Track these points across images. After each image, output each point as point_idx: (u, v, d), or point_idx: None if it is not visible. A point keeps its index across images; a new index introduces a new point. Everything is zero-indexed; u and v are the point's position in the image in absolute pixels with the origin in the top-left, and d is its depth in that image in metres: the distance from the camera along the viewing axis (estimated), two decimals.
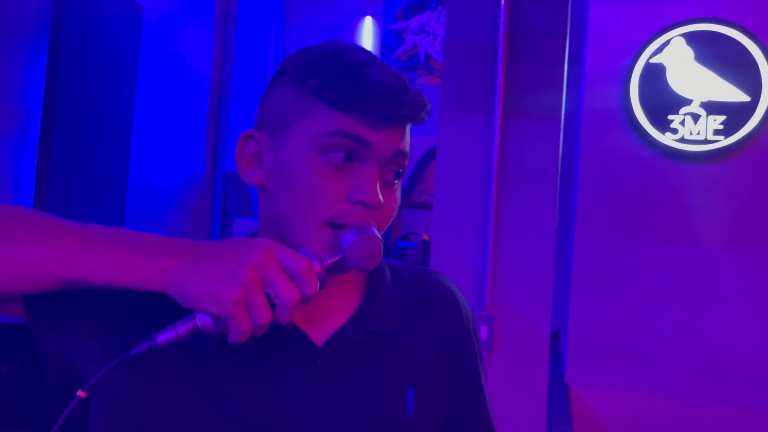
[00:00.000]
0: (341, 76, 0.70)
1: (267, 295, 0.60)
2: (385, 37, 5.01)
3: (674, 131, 3.08)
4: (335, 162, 0.69)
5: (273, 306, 0.61)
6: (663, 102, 3.10)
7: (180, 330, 0.61)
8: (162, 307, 0.66)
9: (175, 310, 0.62)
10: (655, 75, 3.12)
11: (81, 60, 2.75)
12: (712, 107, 3.05)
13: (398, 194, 0.76)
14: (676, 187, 3.09)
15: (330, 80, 0.69)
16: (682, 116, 3.08)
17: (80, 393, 0.58)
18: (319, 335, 0.76)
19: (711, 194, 3.06)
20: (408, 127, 0.75)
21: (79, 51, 2.74)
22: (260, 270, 0.60)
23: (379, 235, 0.70)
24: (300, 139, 0.70)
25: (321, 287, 0.65)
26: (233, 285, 0.58)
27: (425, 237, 3.99)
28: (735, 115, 3.01)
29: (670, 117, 3.09)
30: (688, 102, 3.07)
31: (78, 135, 2.78)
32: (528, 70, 1.83)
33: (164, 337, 0.61)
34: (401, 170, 0.75)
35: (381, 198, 0.70)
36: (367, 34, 5.01)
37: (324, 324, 0.77)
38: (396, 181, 0.75)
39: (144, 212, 3.34)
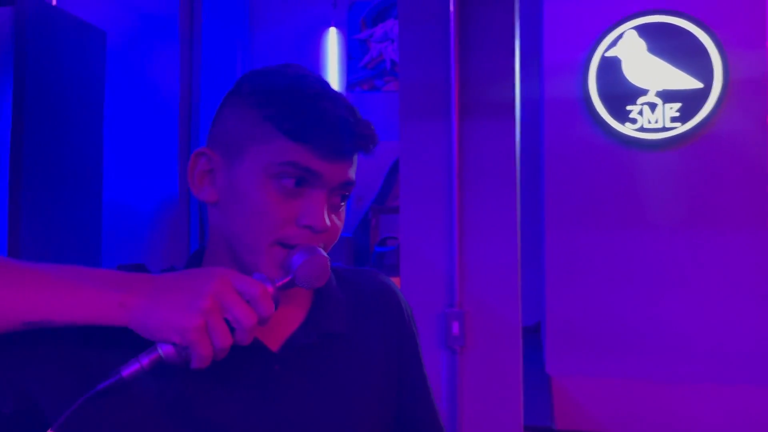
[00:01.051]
0: (298, 108, 0.74)
1: (226, 320, 0.64)
2: (350, 46, 5.07)
3: (633, 121, 3.18)
4: (286, 188, 0.74)
5: (233, 330, 0.65)
6: (620, 93, 3.20)
7: (144, 361, 0.63)
8: (122, 340, 0.68)
9: (135, 342, 0.65)
10: (611, 68, 3.21)
11: (47, 90, 2.77)
12: (667, 96, 3.15)
13: (343, 214, 0.82)
14: (638, 175, 3.19)
15: (287, 111, 0.74)
16: (640, 106, 3.17)
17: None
18: (275, 342, 0.80)
19: (672, 180, 3.15)
20: (356, 157, 0.80)
21: (44, 81, 2.76)
22: (218, 297, 0.64)
23: (326, 255, 0.75)
24: (254, 163, 0.75)
25: (276, 307, 0.69)
26: (194, 314, 0.62)
27: None
28: (690, 101, 3.11)
29: (628, 107, 3.19)
30: (644, 92, 3.17)
31: (48, 164, 2.79)
32: (480, 70, 1.89)
33: (129, 370, 0.63)
34: (347, 194, 0.80)
35: (328, 223, 0.75)
36: (332, 45, 5.06)
37: (278, 331, 0.81)
38: (342, 204, 0.80)
39: (120, 236, 3.36)
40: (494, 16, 1.85)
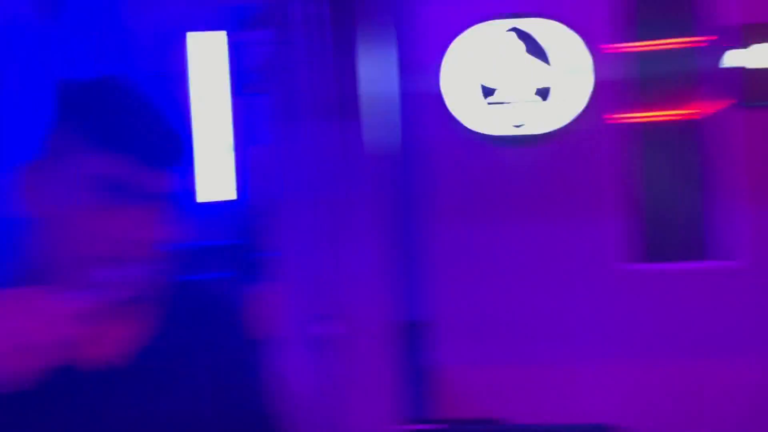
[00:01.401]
0: (107, 117, 0.76)
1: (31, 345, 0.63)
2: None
3: (494, 119, 3.32)
4: (101, 200, 0.74)
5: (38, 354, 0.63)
6: (478, 92, 3.33)
7: None
8: None
9: None
10: (468, 67, 3.33)
11: None
12: (529, 92, 3.32)
13: (170, 225, 0.81)
14: (499, 171, 3.36)
15: (97, 122, 0.75)
16: (497, 104, 3.32)
17: None
18: (107, 362, 0.80)
19: (529, 175, 3.35)
20: (172, 166, 0.80)
21: None
22: (14, 321, 0.63)
23: (142, 269, 0.76)
24: (68, 176, 0.76)
25: (91, 324, 0.69)
26: None
27: None
28: (547, 99, 3.30)
29: (485, 105, 3.32)
30: (503, 90, 3.32)
31: None
32: (331, 73, 1.94)
33: None
34: (170, 204, 0.80)
35: (148, 235, 0.76)
36: (211, 48, 4.94)
37: (111, 352, 0.81)
38: (166, 214, 0.80)
39: None
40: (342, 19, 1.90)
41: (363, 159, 1.91)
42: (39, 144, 0.80)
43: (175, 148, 0.80)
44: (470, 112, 3.33)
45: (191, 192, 4.95)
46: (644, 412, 3.22)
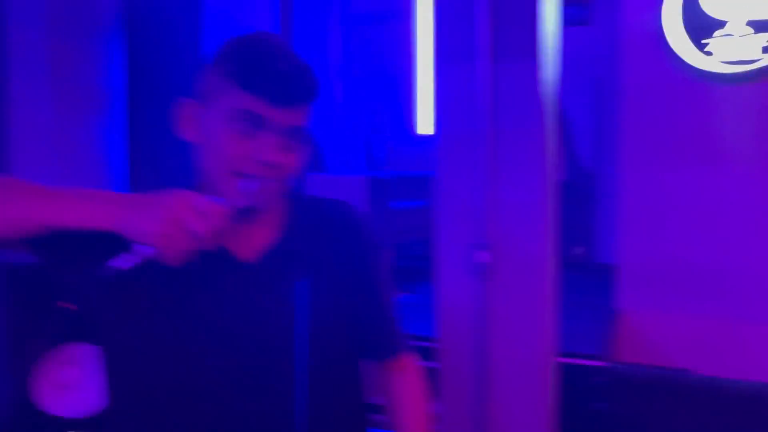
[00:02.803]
0: (251, 64, 0.94)
1: (187, 229, 0.85)
2: None
3: (709, 54, 3.03)
4: (242, 130, 0.95)
5: (194, 238, 0.85)
6: (700, 26, 3.05)
7: (131, 258, 0.85)
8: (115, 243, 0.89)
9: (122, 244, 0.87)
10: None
11: (153, 42, 3.16)
12: (752, 25, 2.97)
13: (302, 154, 1.01)
14: (718, 112, 3.07)
15: (242, 67, 0.95)
16: (721, 38, 3.02)
17: (61, 304, 0.87)
18: (250, 257, 1.03)
19: (756, 115, 3.01)
20: (304, 106, 0.98)
21: (150, 34, 3.15)
22: (175, 210, 0.84)
23: (274, 184, 0.96)
24: (218, 110, 0.96)
25: (231, 223, 0.90)
26: (155, 222, 0.84)
27: None
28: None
29: (704, 41, 3.04)
30: (725, 23, 3.01)
31: (159, 111, 3.20)
32: (506, 13, 1.98)
33: (118, 263, 0.85)
34: (300, 137, 0.99)
35: (277, 158, 0.95)
36: None
37: (253, 249, 1.03)
38: (297, 145, 0.99)
39: None
40: None
41: (534, 96, 1.96)
42: (195, 84, 1.03)
43: (309, 90, 0.98)
44: (691, 47, 3.07)
45: (407, 125, 5.32)
46: None
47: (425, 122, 5.28)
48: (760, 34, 2.96)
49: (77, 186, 0.95)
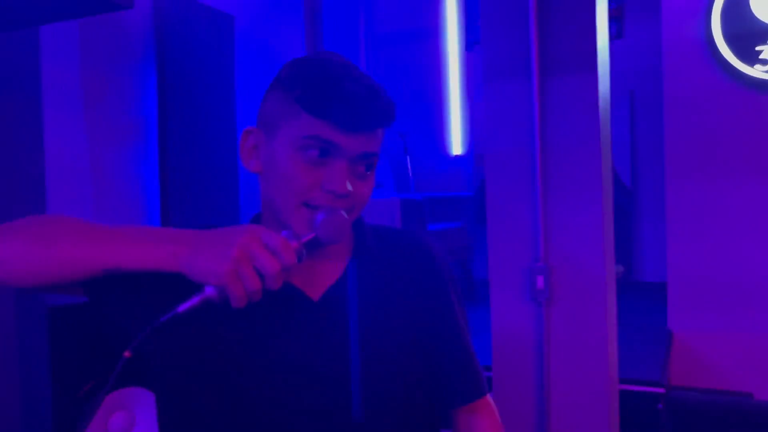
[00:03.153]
0: (320, 88, 0.87)
1: (255, 268, 0.78)
2: (470, 4, 5.07)
3: (764, 62, 2.93)
4: (311, 158, 0.87)
5: (262, 276, 0.78)
6: (748, 32, 2.95)
7: (195, 301, 0.79)
8: (183, 285, 0.83)
9: (191, 286, 0.81)
10: (737, 5, 2.97)
11: (184, 71, 3.14)
12: None
13: (371, 182, 0.93)
14: (766, 121, 2.95)
15: (311, 92, 0.87)
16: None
17: (126, 354, 0.78)
18: (315, 292, 0.95)
19: None
20: (378, 131, 0.91)
21: (181, 63, 3.12)
22: (245, 248, 0.78)
23: (345, 215, 0.87)
24: (285, 138, 0.89)
25: (300, 259, 0.82)
26: (225, 261, 0.77)
27: None
28: None
29: (758, 48, 2.94)
30: None
31: (190, 142, 3.17)
32: (559, 26, 1.90)
33: (183, 307, 0.79)
34: (371, 164, 0.91)
35: (349, 188, 0.87)
36: (450, 5, 5.09)
37: (319, 283, 0.96)
38: (368, 173, 0.92)
39: (256, 208, 3.72)
40: None
41: (592, 111, 1.88)
42: (256, 113, 0.96)
43: (382, 114, 0.89)
44: (739, 54, 2.97)
45: (439, 146, 5.26)
46: None
47: (457, 142, 5.21)
48: None
49: (119, 222, 0.88)
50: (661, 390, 2.53)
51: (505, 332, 2.02)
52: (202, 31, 3.26)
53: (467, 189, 5.03)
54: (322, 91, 0.87)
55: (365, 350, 0.94)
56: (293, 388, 0.91)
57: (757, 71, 2.94)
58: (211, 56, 3.30)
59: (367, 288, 0.98)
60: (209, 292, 0.80)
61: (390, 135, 5.23)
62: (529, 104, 1.94)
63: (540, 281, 1.94)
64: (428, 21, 5.21)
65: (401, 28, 5.39)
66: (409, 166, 4.75)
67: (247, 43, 3.63)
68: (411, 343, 0.98)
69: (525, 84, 1.95)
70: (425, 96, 5.29)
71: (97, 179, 2.77)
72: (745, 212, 3.03)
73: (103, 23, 2.77)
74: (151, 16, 3.01)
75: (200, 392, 0.90)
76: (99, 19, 2.74)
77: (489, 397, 1.11)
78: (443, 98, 5.19)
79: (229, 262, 0.77)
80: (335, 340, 0.93)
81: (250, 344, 0.91)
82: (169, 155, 3.02)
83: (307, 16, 4.19)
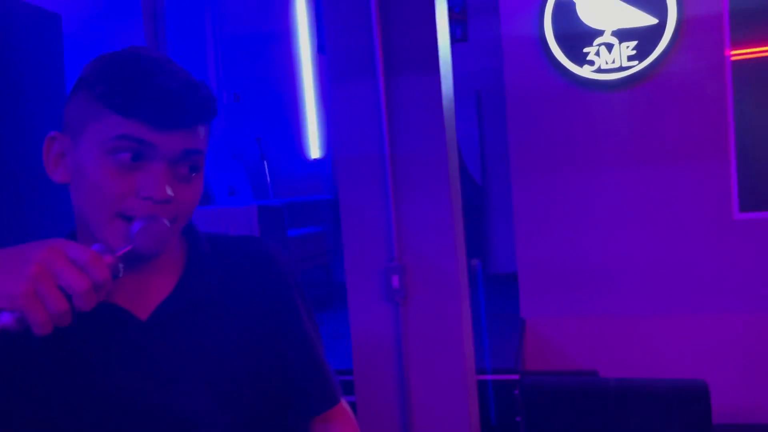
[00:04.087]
0: (126, 83, 0.77)
1: (60, 287, 0.66)
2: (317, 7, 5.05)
3: (591, 63, 3.17)
4: (123, 162, 0.77)
5: (69, 297, 0.67)
6: (576, 34, 3.18)
7: None
8: None
9: None
10: (566, 9, 3.19)
11: (3, 75, 2.82)
12: (623, 34, 3.13)
13: (198, 184, 0.84)
14: (597, 117, 3.20)
15: (115, 87, 0.77)
16: (597, 47, 3.16)
17: None
18: (144, 311, 0.85)
19: (630, 119, 3.16)
20: (199, 127, 0.82)
21: (2, 65, 2.81)
22: (46, 264, 0.66)
23: (166, 223, 0.78)
24: (91, 141, 0.79)
25: (117, 275, 0.73)
26: (20, 280, 0.65)
27: None
28: (646, 39, 3.09)
29: (585, 49, 3.17)
30: (600, 33, 3.15)
31: (15, 147, 2.86)
32: (401, 28, 1.91)
33: None
34: (196, 165, 0.83)
35: (169, 192, 0.78)
36: (301, 7, 5.04)
37: (147, 301, 0.86)
38: (193, 174, 0.83)
39: None
40: None
41: (436, 110, 1.90)
42: (62, 114, 0.85)
43: (201, 108, 0.81)
44: (569, 55, 3.18)
45: (297, 150, 5.17)
46: (748, 370, 3.04)
47: (315, 145, 5.17)
48: (626, 43, 3.12)
49: None
50: (515, 376, 2.64)
51: (364, 333, 2.00)
52: (24, 32, 2.95)
53: (327, 192, 5.00)
54: (130, 86, 0.77)
55: (206, 370, 0.86)
56: (127, 421, 0.81)
57: (585, 71, 3.17)
58: (35, 58, 2.99)
59: (203, 302, 0.89)
60: (4, 319, 0.67)
61: (246, 140, 5.08)
62: (375, 106, 1.94)
63: (395, 280, 1.94)
64: (279, 23, 5.11)
65: (252, 30, 5.24)
66: (267, 172, 4.64)
67: (80, 44, 3.34)
68: (257, 358, 0.91)
69: (371, 85, 1.94)
70: (280, 100, 5.19)
71: None
72: (584, 203, 3.26)
73: None
74: None
75: (21, 424, 0.78)
76: None
77: (344, 403, 1.06)
78: (298, 101, 5.12)
79: (24, 281, 0.65)
80: (168, 362, 0.84)
81: (72, 376, 0.80)
82: None
83: (147, 14, 3.95)
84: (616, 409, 2.61)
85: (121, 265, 0.74)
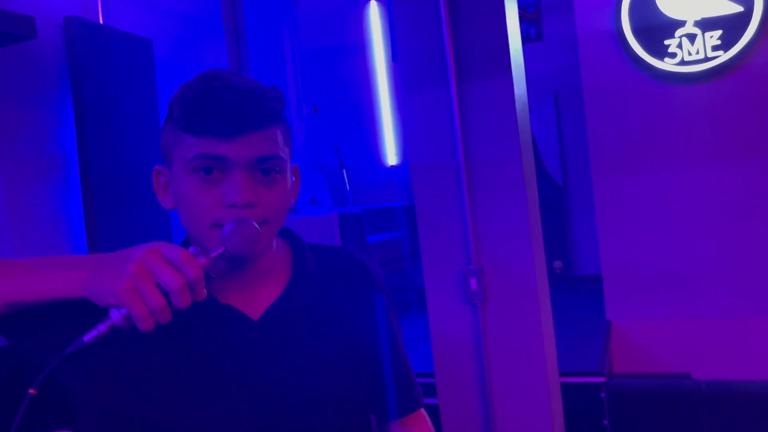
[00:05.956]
0: (192, 105, 0.84)
1: (158, 285, 0.74)
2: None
3: (673, 55, 3.07)
4: (204, 177, 0.85)
5: (166, 294, 0.74)
6: (656, 26, 3.09)
7: (101, 328, 0.76)
8: (94, 311, 0.79)
9: (101, 311, 0.77)
10: (644, 2, 3.10)
11: (102, 100, 3.04)
12: (706, 24, 3.01)
13: (282, 186, 0.89)
14: (681, 111, 3.09)
15: (185, 111, 0.84)
16: (678, 39, 3.05)
17: (31, 390, 0.74)
18: (256, 312, 0.92)
19: (718, 112, 3.03)
20: (269, 130, 0.87)
21: (100, 95, 3.03)
22: (145, 263, 0.74)
23: (255, 225, 0.83)
24: (179, 166, 0.87)
25: (211, 275, 0.81)
26: (122, 278, 0.73)
27: None
28: (731, 28, 2.96)
29: (666, 42, 3.08)
30: (682, 23, 3.05)
31: (113, 169, 3.07)
32: (471, 34, 1.94)
33: (89, 336, 0.76)
34: (275, 167, 0.87)
35: (251, 196, 0.84)
36: (375, 18, 5.13)
37: (259, 304, 0.93)
38: (277, 176, 0.88)
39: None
40: None
41: (509, 113, 1.91)
42: (158, 138, 0.95)
43: (264, 111, 0.85)
44: (648, 48, 3.09)
45: (374, 157, 5.27)
46: None
47: (391, 153, 5.25)
48: (710, 33, 3.00)
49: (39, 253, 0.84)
50: (601, 379, 2.59)
51: (444, 336, 2.03)
52: (119, 58, 3.18)
53: (405, 198, 5.06)
54: (194, 107, 0.84)
55: (304, 370, 0.92)
56: (230, 405, 0.88)
57: (666, 64, 3.07)
58: (130, 83, 3.21)
59: (307, 307, 0.96)
60: (114, 316, 0.76)
61: (326, 150, 5.23)
62: (448, 111, 1.97)
63: (473, 283, 1.96)
64: (354, 35, 5.23)
65: (328, 43, 5.39)
66: (346, 180, 4.75)
67: (170, 68, 3.56)
68: (349, 361, 0.97)
69: (443, 91, 1.98)
70: (357, 109, 5.31)
71: (15, 219, 2.65)
72: (667, 201, 3.15)
73: (9, 57, 2.66)
74: (63, 45, 2.91)
75: (130, 417, 0.85)
76: (4, 53, 2.63)
77: (423, 410, 1.11)
78: (374, 110, 5.22)
79: (126, 278, 0.74)
80: (275, 359, 0.91)
81: (183, 364, 0.87)
82: (92, 188, 2.91)
83: (230, 35, 4.14)
84: (708, 412, 2.51)
85: (214, 266, 0.81)
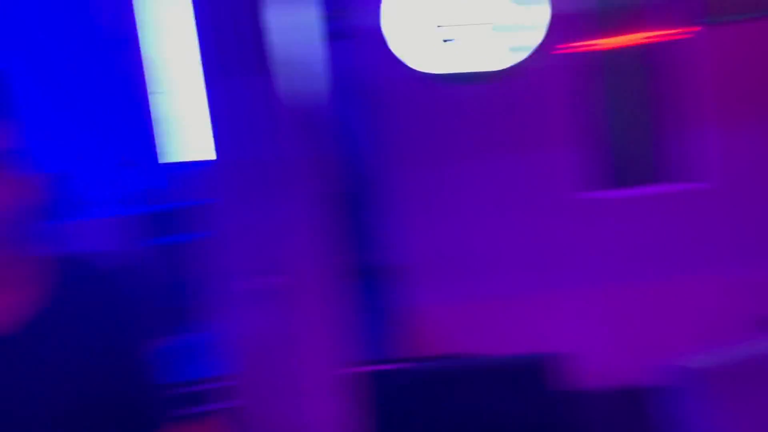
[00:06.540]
0: None
1: None
2: None
3: (440, 57, 3.24)
4: None
5: None
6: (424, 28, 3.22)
7: None
8: None
9: None
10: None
11: None
12: (474, 30, 3.23)
13: (10, 187, 0.82)
14: (454, 110, 3.31)
15: None
16: (446, 42, 3.22)
17: None
18: None
19: (488, 110, 3.30)
20: None
21: None
22: None
23: None
24: None
25: None
26: None
27: None
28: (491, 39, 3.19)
29: (433, 42, 3.23)
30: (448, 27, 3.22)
31: None
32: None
33: None
34: None
35: None
36: None
37: None
38: None
39: None
40: None
41: (286, 111, 1.86)
42: None
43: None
44: (416, 50, 3.24)
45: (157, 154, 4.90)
46: (611, 338, 3.28)
47: (172, 149, 4.91)
48: (499, 36, 3.22)
49: None
50: (401, 365, 2.66)
51: (240, 338, 1.95)
52: None
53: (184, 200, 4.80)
54: None
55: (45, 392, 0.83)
56: None
57: (438, 65, 3.25)
58: None
59: (52, 321, 0.86)
60: None
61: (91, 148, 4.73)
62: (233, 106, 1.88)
63: (266, 281, 1.91)
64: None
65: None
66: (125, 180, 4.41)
67: None
68: (100, 376, 0.88)
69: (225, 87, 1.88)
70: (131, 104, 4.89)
71: None
72: (459, 193, 3.38)
73: None
74: None
75: None
76: None
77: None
78: (150, 106, 4.84)
79: None
80: (24, 377, 0.82)
81: None
82: None
83: None
84: (447, 389, 2.58)
85: None
